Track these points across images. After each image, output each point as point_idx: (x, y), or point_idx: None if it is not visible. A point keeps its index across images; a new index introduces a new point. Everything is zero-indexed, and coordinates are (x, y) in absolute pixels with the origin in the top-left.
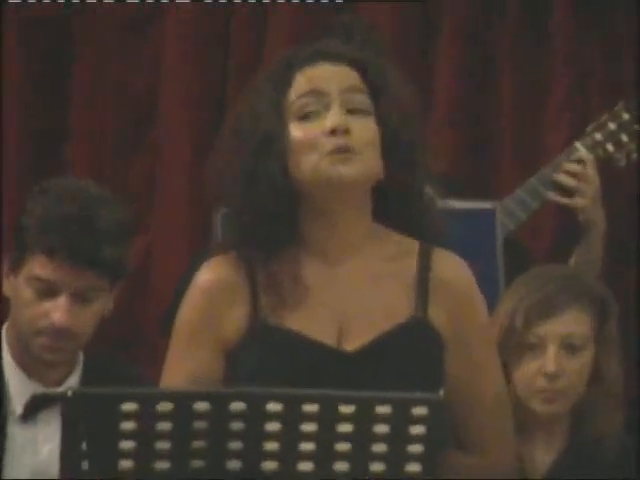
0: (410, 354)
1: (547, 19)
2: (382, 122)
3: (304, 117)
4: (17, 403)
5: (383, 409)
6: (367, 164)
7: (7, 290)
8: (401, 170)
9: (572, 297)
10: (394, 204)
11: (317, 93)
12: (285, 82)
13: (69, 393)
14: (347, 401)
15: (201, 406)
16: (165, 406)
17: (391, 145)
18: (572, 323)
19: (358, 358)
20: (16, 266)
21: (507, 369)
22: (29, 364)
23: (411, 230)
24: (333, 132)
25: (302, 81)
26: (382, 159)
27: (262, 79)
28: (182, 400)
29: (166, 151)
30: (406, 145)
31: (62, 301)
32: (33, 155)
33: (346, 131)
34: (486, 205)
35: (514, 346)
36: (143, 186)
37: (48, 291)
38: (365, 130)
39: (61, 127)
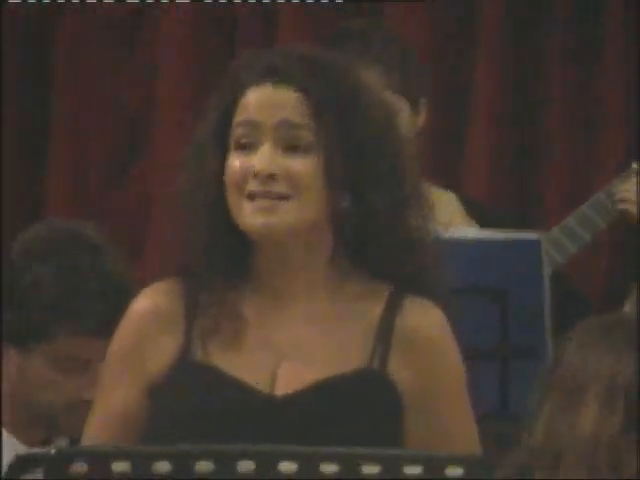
0: (351, 408)
1: (599, 22)
2: (328, 155)
3: (241, 147)
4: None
5: (412, 470)
6: (300, 210)
7: None
8: (353, 206)
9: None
10: (358, 242)
11: (252, 124)
12: (231, 102)
13: (53, 452)
14: (372, 460)
15: (203, 466)
16: (161, 466)
17: (337, 180)
18: None
19: (286, 406)
20: (23, 341)
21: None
22: (20, 427)
23: (382, 272)
24: (258, 175)
25: (244, 105)
26: (331, 195)
27: (215, 95)
28: (182, 460)
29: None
30: (361, 178)
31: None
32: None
33: (271, 176)
34: (530, 236)
35: None
36: (137, 214)
37: (77, 367)
38: (298, 171)
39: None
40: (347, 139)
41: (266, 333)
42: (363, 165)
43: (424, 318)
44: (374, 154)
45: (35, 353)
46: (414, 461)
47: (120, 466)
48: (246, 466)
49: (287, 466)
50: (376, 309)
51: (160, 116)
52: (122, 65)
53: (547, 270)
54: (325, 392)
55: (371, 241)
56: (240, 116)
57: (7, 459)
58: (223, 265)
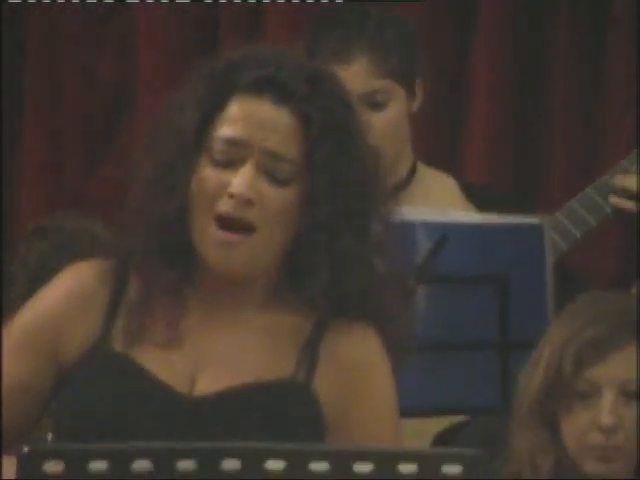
0: (268, 416)
1: (604, 11)
2: (307, 187)
3: (216, 162)
4: None
5: (407, 467)
6: (263, 246)
7: None
8: (308, 243)
9: (631, 335)
10: (302, 269)
11: (235, 143)
12: (217, 106)
13: (25, 449)
14: (364, 458)
15: (184, 465)
16: (141, 464)
17: (309, 217)
18: (631, 366)
19: (202, 405)
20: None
21: (554, 420)
22: None
23: (319, 297)
24: (233, 197)
25: (230, 116)
26: (299, 229)
27: (194, 86)
28: (162, 458)
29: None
30: (326, 218)
31: None
32: None
33: (248, 201)
34: (533, 220)
35: (562, 393)
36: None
37: None
38: (275, 202)
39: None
40: (334, 177)
41: (190, 335)
42: (344, 204)
43: (352, 339)
44: (355, 196)
45: None
46: (409, 459)
47: (98, 465)
48: (231, 464)
49: (274, 464)
50: (305, 326)
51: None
52: (100, 42)
53: (550, 256)
54: (241, 396)
55: (316, 271)
56: (224, 130)
57: None
58: (166, 264)
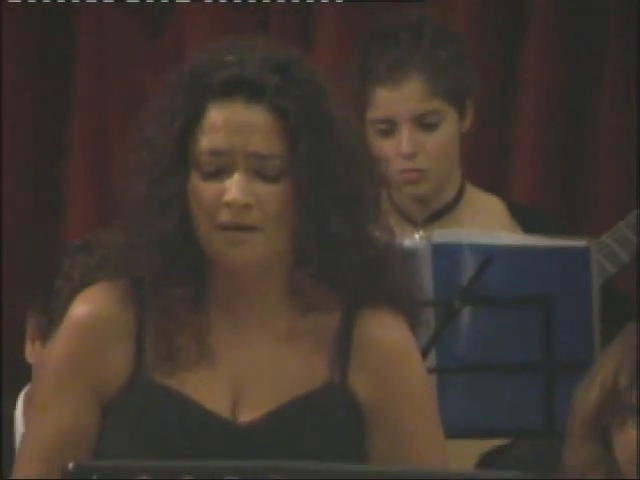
0: (316, 428)
1: None
2: (295, 181)
3: (204, 174)
4: None
5: None
6: (266, 242)
7: (29, 356)
8: (304, 235)
9: None
10: (315, 257)
11: (220, 154)
12: (193, 115)
13: (70, 466)
14: (363, 476)
15: None
16: None
17: (301, 209)
18: None
19: (251, 432)
20: (43, 335)
21: (608, 434)
22: None
23: (337, 284)
24: (230, 205)
25: (209, 126)
26: (298, 221)
27: (168, 98)
28: (207, 474)
29: None
30: (317, 207)
31: None
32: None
33: (246, 206)
34: (580, 243)
35: (617, 409)
36: None
37: None
38: (270, 200)
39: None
40: (318, 166)
41: (224, 356)
42: (331, 190)
43: (381, 328)
44: (342, 179)
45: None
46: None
47: None
48: None
49: None
50: (333, 322)
51: None
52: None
53: (597, 280)
54: (288, 416)
55: (329, 256)
56: (206, 142)
57: None
58: (178, 279)
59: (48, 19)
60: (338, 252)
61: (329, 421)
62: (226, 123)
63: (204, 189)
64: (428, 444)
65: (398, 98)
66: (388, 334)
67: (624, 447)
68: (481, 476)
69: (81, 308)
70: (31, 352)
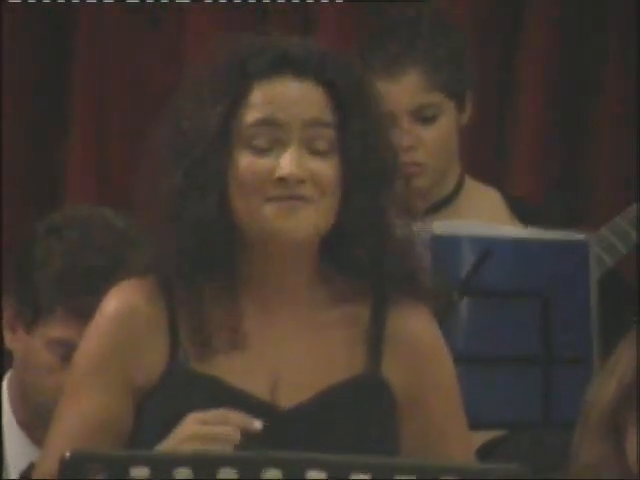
0: (355, 416)
1: None
2: (346, 155)
3: (253, 147)
4: (13, 468)
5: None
6: (320, 215)
7: (11, 344)
8: (358, 211)
9: None
10: (346, 244)
11: (273, 124)
12: (239, 95)
13: (67, 455)
14: (404, 471)
15: (224, 473)
16: (183, 473)
17: (352, 184)
18: None
19: (294, 416)
20: (27, 323)
21: (621, 433)
22: (32, 425)
23: (365, 275)
24: (284, 180)
25: (258, 101)
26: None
27: (208, 83)
28: (202, 465)
29: None
30: (368, 183)
31: None
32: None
33: (301, 181)
34: (578, 236)
35: (634, 404)
36: None
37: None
38: (324, 175)
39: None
40: (368, 139)
41: (259, 341)
42: (379, 164)
43: (413, 321)
44: (385, 155)
45: (36, 335)
46: (451, 472)
47: (139, 472)
48: (272, 474)
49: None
50: (364, 313)
51: None
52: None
53: (595, 273)
54: (327, 402)
55: (355, 240)
56: (255, 114)
57: (18, 461)
58: (210, 268)
59: (48, 19)
60: (359, 231)
61: (369, 408)
62: (277, 96)
63: (255, 164)
64: (457, 437)
65: (397, 92)
66: (420, 327)
67: (638, 444)
68: (483, 469)
69: (113, 303)
70: (12, 340)
